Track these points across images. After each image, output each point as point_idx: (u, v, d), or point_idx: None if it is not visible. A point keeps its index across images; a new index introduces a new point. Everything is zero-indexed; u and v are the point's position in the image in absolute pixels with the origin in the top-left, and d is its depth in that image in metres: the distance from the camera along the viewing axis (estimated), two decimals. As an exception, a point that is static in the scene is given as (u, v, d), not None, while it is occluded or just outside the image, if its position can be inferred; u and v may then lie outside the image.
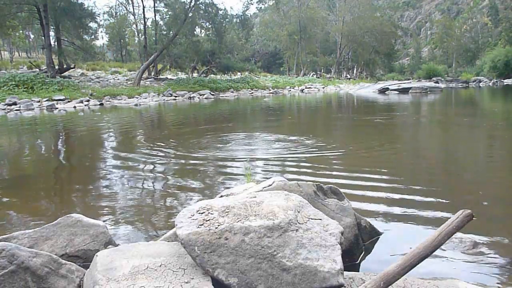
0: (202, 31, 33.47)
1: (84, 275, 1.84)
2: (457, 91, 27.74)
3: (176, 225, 1.82)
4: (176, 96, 22.94)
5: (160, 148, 6.70)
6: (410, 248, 2.39)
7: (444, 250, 2.43)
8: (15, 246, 1.77)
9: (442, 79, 45.80)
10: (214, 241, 1.69)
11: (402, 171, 4.79)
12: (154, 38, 31.82)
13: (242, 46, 43.75)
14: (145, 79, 28.57)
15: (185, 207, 1.99)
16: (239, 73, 38.17)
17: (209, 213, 1.85)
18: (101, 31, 47.25)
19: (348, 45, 50.81)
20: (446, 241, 1.67)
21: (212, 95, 24.78)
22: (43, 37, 25.36)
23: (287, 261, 1.67)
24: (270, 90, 29.95)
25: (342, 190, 2.69)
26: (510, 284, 2.09)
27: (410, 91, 25.15)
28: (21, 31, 35.88)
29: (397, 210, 3.23)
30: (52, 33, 25.60)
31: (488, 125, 9.47)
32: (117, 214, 3.32)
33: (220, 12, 29.91)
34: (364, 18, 48.81)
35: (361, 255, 2.45)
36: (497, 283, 2.10)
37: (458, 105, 17.05)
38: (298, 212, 1.91)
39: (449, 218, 1.73)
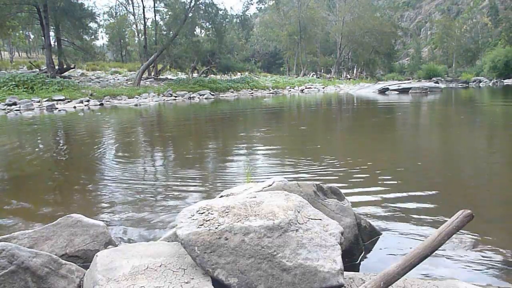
0: (202, 31, 33.45)
1: (84, 275, 1.84)
2: (457, 91, 27.74)
3: (176, 225, 1.82)
4: (176, 96, 22.94)
5: (160, 149, 6.70)
6: (410, 248, 2.40)
7: (444, 250, 2.43)
8: (15, 246, 1.77)
9: (442, 79, 45.87)
10: (214, 241, 1.69)
11: (402, 171, 4.79)
12: (154, 38, 31.83)
13: (242, 46, 43.78)
14: (145, 79, 28.58)
15: (185, 207, 1.99)
16: (239, 73, 38.18)
17: (209, 213, 1.85)
18: (101, 31, 47.31)
19: (348, 45, 50.81)
20: (446, 241, 1.67)
21: (212, 95, 24.78)
22: (43, 37, 25.37)
23: (287, 261, 1.67)
24: (270, 90, 29.97)
25: (342, 190, 2.69)
26: (510, 284, 2.09)
27: (410, 91, 25.16)
28: (21, 31, 35.90)
29: (397, 210, 3.23)
30: (52, 33, 25.61)
31: (488, 124, 9.48)
32: (117, 214, 3.32)
33: (220, 12, 29.89)
34: (364, 18, 48.80)
35: (361, 255, 2.45)
36: (497, 283, 2.10)
37: (458, 105, 17.06)
38: (298, 212, 1.91)
39: (449, 218, 1.73)
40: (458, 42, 59.59)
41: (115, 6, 51.71)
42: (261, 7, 75.74)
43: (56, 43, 26.86)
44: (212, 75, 35.03)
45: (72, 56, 28.54)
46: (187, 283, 1.61)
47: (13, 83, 19.48)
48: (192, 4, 27.37)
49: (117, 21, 46.58)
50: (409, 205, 3.35)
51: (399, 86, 26.92)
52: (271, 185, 2.47)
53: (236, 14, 34.17)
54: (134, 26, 42.22)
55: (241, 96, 26.30)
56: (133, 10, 37.90)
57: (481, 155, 5.84)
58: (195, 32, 31.45)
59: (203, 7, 28.57)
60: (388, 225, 2.91)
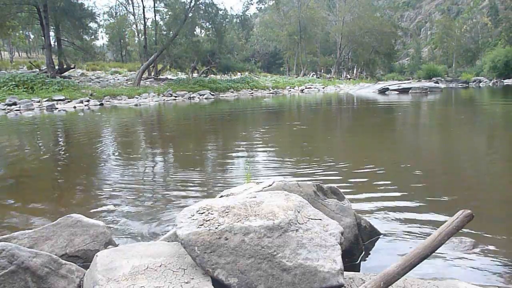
0: (202, 31, 33.45)
1: (84, 275, 1.84)
2: (457, 91, 27.74)
3: (176, 225, 1.82)
4: (176, 96, 22.93)
5: (160, 149, 6.69)
6: (410, 248, 2.40)
7: (444, 250, 2.43)
8: (15, 246, 1.77)
9: (442, 79, 45.86)
10: (214, 241, 1.69)
11: (402, 170, 4.79)
12: (154, 38, 31.82)
13: (242, 46, 43.81)
14: (145, 79, 28.58)
15: (185, 207, 1.99)
16: (239, 73, 38.18)
17: (209, 213, 1.85)
18: (101, 31, 47.30)
19: (348, 45, 50.80)
20: (446, 241, 1.67)
21: (212, 95, 24.77)
22: (43, 37, 25.36)
23: (287, 261, 1.67)
24: (270, 90, 29.95)
25: (342, 190, 2.69)
26: (510, 284, 2.09)
27: (410, 91, 25.16)
28: (21, 31, 35.88)
29: (397, 210, 3.23)
30: (52, 33, 25.60)
31: (488, 124, 9.47)
32: (117, 214, 3.32)
33: (220, 12, 29.88)
34: (364, 18, 48.78)
35: (361, 255, 2.45)
36: (497, 283, 2.10)
37: (458, 105, 17.06)
38: (298, 212, 1.91)
39: (449, 218, 1.73)
40: (458, 42, 59.56)
41: (115, 6, 51.82)
42: (261, 7, 75.78)
43: (56, 43, 26.86)
44: (212, 75, 35.02)
45: (72, 56, 28.54)
46: (187, 283, 1.61)
47: (13, 83, 19.47)
48: (192, 4, 27.37)
49: (117, 21, 46.58)
50: (409, 205, 3.35)
51: (399, 86, 26.93)
52: (271, 185, 2.47)
53: (236, 14, 34.21)
54: (134, 26, 42.26)
55: (241, 96, 26.29)
56: (133, 10, 37.94)
57: (481, 155, 5.84)
58: (195, 32, 31.44)
59: (203, 7, 28.57)
60: (388, 225, 2.91)
